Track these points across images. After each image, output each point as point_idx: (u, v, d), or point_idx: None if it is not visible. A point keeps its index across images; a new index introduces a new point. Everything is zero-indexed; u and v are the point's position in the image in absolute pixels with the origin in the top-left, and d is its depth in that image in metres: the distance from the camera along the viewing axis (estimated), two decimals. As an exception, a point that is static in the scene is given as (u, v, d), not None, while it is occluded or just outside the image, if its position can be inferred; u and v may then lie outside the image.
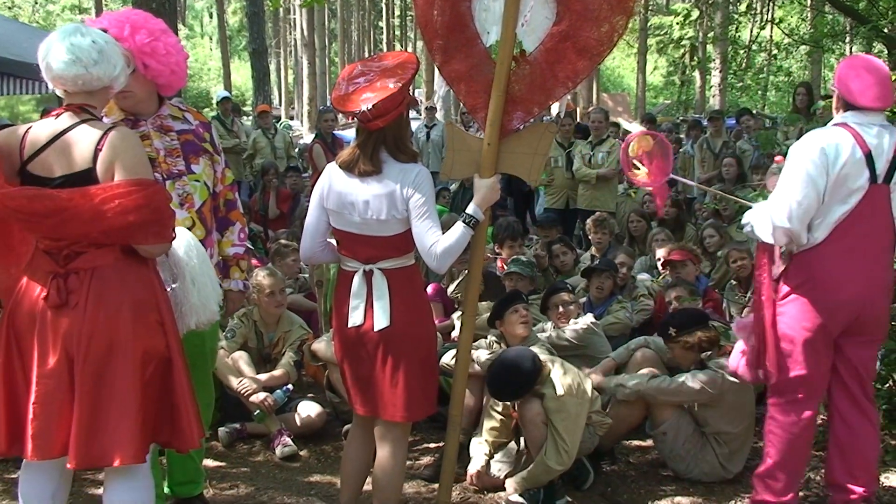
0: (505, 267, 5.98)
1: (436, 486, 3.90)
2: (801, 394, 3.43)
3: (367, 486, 3.52)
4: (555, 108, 16.04)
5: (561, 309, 4.99)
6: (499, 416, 4.18)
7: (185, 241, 3.02)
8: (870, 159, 3.33)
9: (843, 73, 3.46)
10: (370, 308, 3.17)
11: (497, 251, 6.52)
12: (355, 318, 3.19)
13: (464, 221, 3.22)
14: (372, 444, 3.38)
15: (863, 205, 3.34)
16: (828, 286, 3.36)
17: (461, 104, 17.28)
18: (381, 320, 3.15)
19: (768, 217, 3.38)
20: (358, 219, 3.16)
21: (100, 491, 3.63)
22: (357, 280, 3.19)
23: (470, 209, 3.27)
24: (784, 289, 3.45)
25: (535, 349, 4.14)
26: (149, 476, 2.85)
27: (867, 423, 3.50)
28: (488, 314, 5.27)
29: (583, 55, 3.29)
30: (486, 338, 4.82)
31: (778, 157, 3.88)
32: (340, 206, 3.20)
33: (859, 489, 3.46)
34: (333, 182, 3.22)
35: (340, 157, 3.24)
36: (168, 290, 2.92)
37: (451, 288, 5.85)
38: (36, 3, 37.16)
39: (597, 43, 3.26)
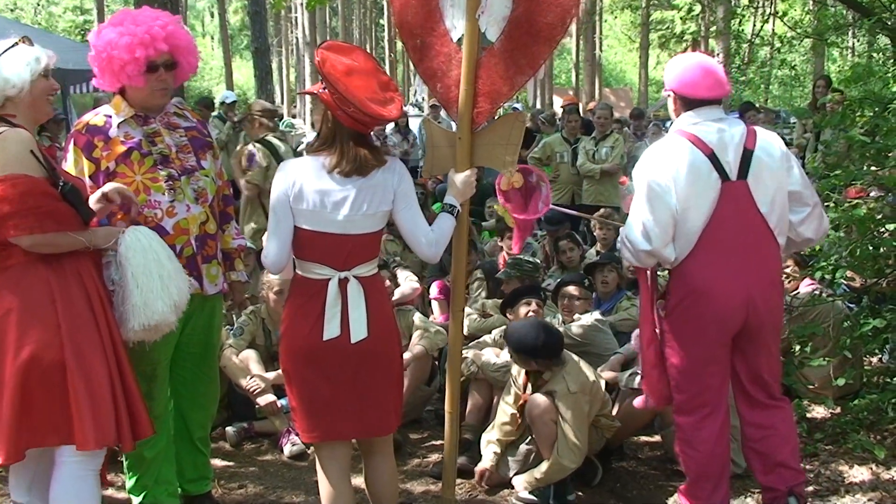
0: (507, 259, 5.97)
1: (443, 483, 3.90)
2: (707, 408, 3.34)
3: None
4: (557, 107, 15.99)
5: (566, 301, 5.00)
6: (510, 411, 4.14)
7: (130, 239, 3.00)
8: (714, 159, 3.21)
9: (674, 71, 3.35)
10: (346, 319, 2.97)
11: (499, 244, 6.53)
12: (331, 329, 2.95)
13: (447, 212, 3.19)
14: (349, 469, 3.17)
15: (721, 207, 3.21)
16: (710, 296, 3.23)
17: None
18: (359, 331, 2.96)
19: (629, 242, 3.31)
20: (341, 217, 2.94)
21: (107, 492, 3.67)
22: (332, 288, 2.96)
23: (448, 199, 3.25)
24: (669, 305, 3.35)
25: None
26: (75, 476, 2.88)
27: (774, 419, 3.39)
28: (493, 314, 5.29)
29: (537, 39, 3.26)
30: (489, 333, 4.83)
31: (623, 178, 3.81)
32: (320, 206, 2.94)
33: (782, 486, 3.37)
34: (307, 182, 2.94)
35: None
36: (111, 287, 3.01)
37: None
38: (38, 4, 37.19)
39: (550, 27, 3.23)
